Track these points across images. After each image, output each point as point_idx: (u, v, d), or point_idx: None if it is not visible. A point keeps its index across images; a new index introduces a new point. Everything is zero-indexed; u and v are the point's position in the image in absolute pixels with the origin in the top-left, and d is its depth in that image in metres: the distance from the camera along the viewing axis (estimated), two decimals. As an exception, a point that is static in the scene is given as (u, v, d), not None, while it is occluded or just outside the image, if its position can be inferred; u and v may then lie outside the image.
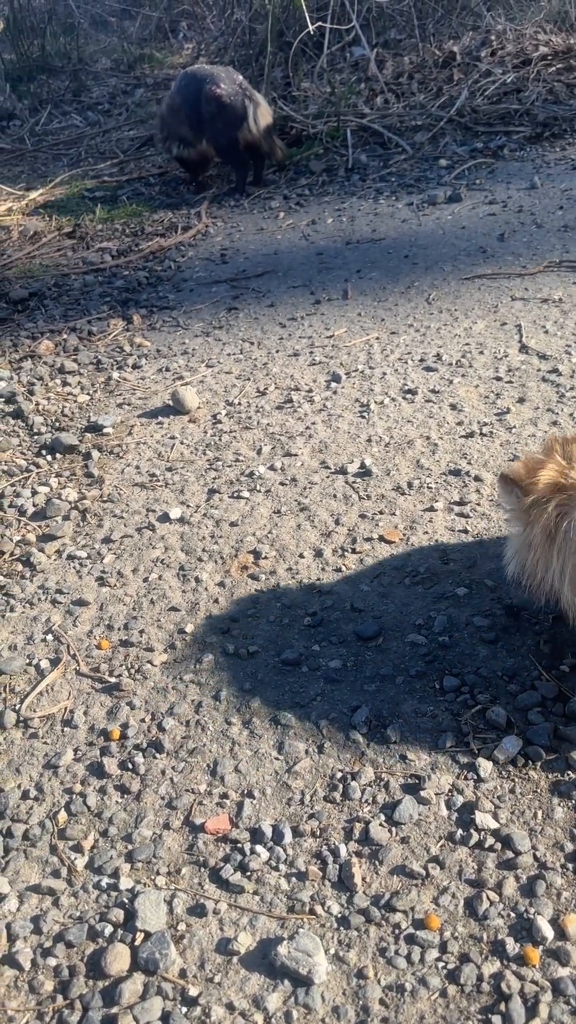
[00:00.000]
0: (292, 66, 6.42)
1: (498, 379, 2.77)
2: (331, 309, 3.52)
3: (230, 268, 4.12)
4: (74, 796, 1.60)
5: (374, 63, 6.62)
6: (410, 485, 2.34)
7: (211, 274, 4.08)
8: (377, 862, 1.43)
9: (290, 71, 6.50)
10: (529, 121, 5.47)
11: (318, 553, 2.15)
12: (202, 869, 1.46)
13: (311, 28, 5.64)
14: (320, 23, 5.96)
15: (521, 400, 2.63)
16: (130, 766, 1.66)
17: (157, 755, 1.68)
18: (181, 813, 1.57)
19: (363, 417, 2.70)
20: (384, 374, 2.93)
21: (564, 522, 1.55)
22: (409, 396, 2.77)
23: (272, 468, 2.52)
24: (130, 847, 1.50)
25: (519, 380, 2.74)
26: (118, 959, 1.32)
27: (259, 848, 1.48)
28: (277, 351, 3.25)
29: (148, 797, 1.60)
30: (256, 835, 1.50)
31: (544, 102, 5.70)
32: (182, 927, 1.37)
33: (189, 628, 1.98)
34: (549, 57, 6.22)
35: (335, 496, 2.35)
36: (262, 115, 4.94)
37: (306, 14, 5.68)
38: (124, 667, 1.89)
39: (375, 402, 2.76)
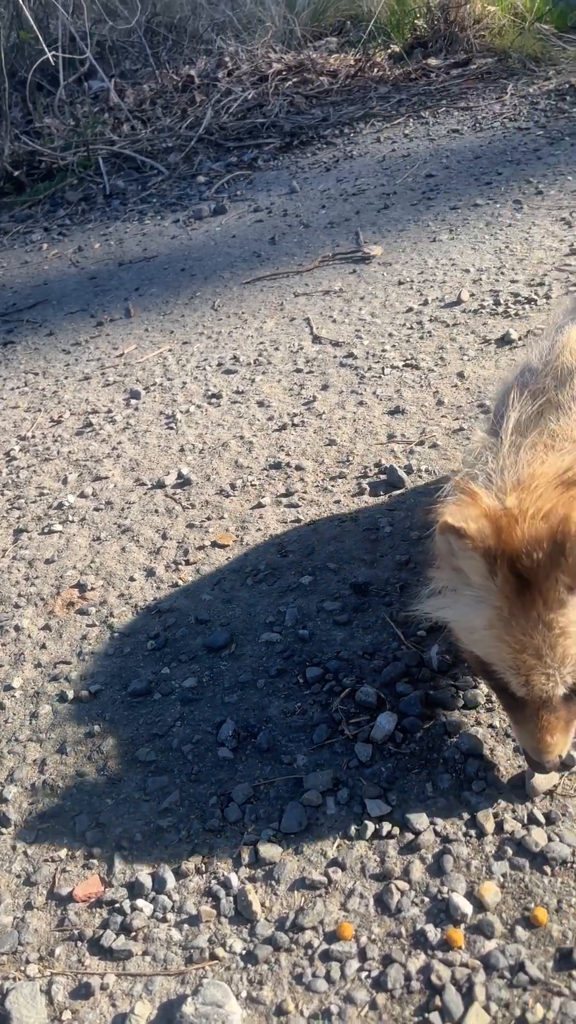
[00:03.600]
0: (31, 102, 6.22)
1: (299, 371, 2.74)
2: (116, 329, 3.37)
3: (-1, 304, 3.87)
4: None
5: (114, 92, 6.56)
6: (233, 486, 2.23)
7: (-21, 312, 3.80)
8: (273, 882, 1.29)
9: (29, 106, 6.30)
10: (277, 132, 5.60)
11: (150, 572, 1.99)
12: (79, 944, 1.26)
13: (49, 55, 5.47)
14: (54, 53, 5.81)
15: (325, 387, 2.60)
16: (-26, 850, 1.42)
17: (4, 830, 1.46)
18: (43, 887, 1.35)
19: (171, 428, 2.57)
20: (184, 383, 2.82)
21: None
22: (214, 400, 2.67)
23: (83, 495, 2.33)
24: (-11, 943, 1.27)
25: (319, 369, 2.72)
26: (-4, 1080, 1.10)
27: (140, 903, 1.30)
28: (66, 377, 3.05)
29: (0, 879, 1.37)
30: (134, 889, 1.32)
31: (287, 114, 5.86)
32: (67, 1016, 1.17)
33: (16, 683, 1.76)
34: (284, 72, 6.43)
35: (157, 511, 2.20)
36: None
37: (43, 43, 5.52)
38: (-52, 740, 1.64)
39: (180, 412, 2.64)
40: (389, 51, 6.60)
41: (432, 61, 6.15)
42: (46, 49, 5.52)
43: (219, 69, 6.76)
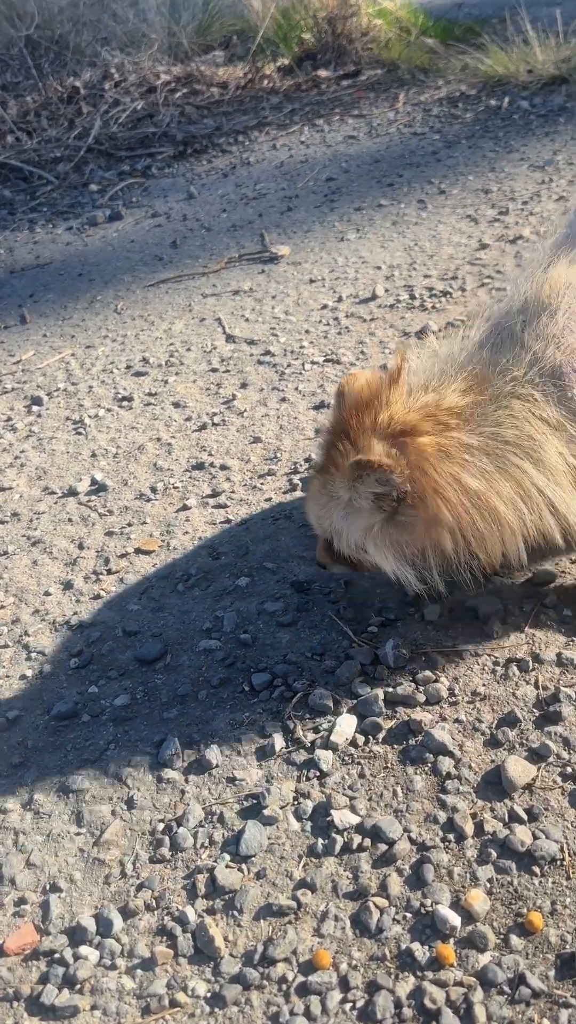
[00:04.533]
0: None
1: (214, 370, 2.61)
2: (11, 336, 3.16)
3: None
4: None
5: (-3, 103, 6.31)
6: (154, 490, 2.08)
7: None
8: (236, 912, 1.15)
9: None
10: (169, 141, 5.49)
11: (67, 585, 1.81)
12: (14, 1004, 1.08)
13: None
14: None
15: (244, 385, 2.48)
16: None
17: None
18: (-32, 946, 1.17)
19: (80, 434, 2.40)
20: (91, 387, 2.65)
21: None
22: (126, 403, 2.51)
23: (-14, 508, 2.13)
24: None
25: (236, 367, 2.60)
26: None
27: (84, 950, 1.13)
28: (-40, 388, 2.83)
29: None
30: (76, 934, 1.15)
31: (179, 124, 5.76)
32: None
33: None
34: (173, 83, 6.34)
35: (71, 520, 2.03)
36: None
37: None
38: None
39: (89, 416, 2.47)
40: (278, 64, 6.60)
41: (322, 73, 6.18)
42: None
43: (105, 80, 6.61)
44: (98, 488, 2.13)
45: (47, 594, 1.80)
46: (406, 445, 1.28)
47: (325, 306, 2.87)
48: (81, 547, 1.93)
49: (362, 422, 1.33)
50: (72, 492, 2.13)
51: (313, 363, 2.52)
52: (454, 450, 1.28)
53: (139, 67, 6.69)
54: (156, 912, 1.17)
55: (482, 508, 1.28)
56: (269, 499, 1.98)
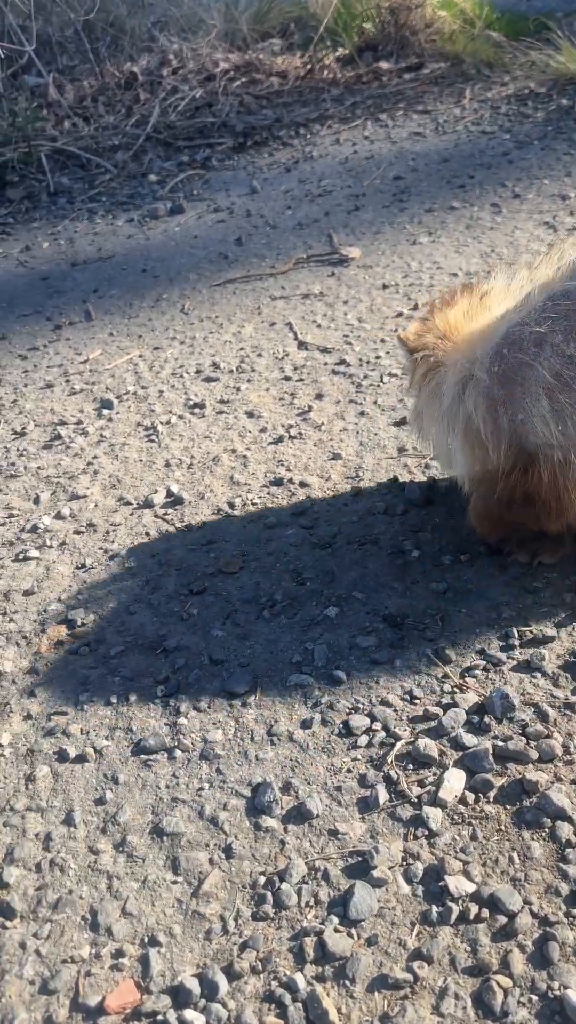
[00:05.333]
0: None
1: (287, 379, 2.54)
2: (76, 333, 3.11)
3: (-57, 305, 3.56)
4: None
5: (53, 88, 6.26)
6: (232, 505, 2.02)
7: None
8: (347, 981, 1.09)
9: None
10: (229, 132, 5.41)
11: (149, 605, 1.76)
12: (121, 1077, 1.04)
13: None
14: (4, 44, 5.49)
15: (319, 396, 2.42)
16: (-29, 952, 1.18)
17: (8, 923, 1.22)
18: (65, 996, 1.12)
19: (153, 441, 2.34)
20: (161, 392, 2.59)
21: (434, 381, 1.60)
22: (197, 411, 2.46)
23: (59, 517, 2.08)
24: None
25: (310, 376, 2.53)
26: None
27: (189, 1014, 1.08)
28: (25, 385, 2.78)
29: (11, 987, 1.14)
30: (179, 995, 1.10)
31: (238, 114, 5.68)
32: None
33: (5, 738, 1.51)
34: (231, 72, 6.25)
35: (148, 534, 1.98)
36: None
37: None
38: None
39: (161, 423, 2.41)
40: (337, 54, 6.48)
41: (383, 65, 6.05)
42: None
43: (163, 67, 6.53)
44: (174, 501, 2.08)
45: (130, 613, 1.75)
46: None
47: (400, 313, 2.79)
48: (161, 564, 1.88)
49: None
50: (148, 504, 2.08)
51: (391, 375, 2.44)
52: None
53: (197, 54, 6.60)
54: (262, 976, 1.11)
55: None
56: (353, 521, 1.91)
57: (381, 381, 2.42)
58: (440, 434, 1.62)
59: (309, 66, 6.19)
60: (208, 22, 7.27)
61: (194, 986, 1.11)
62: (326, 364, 2.58)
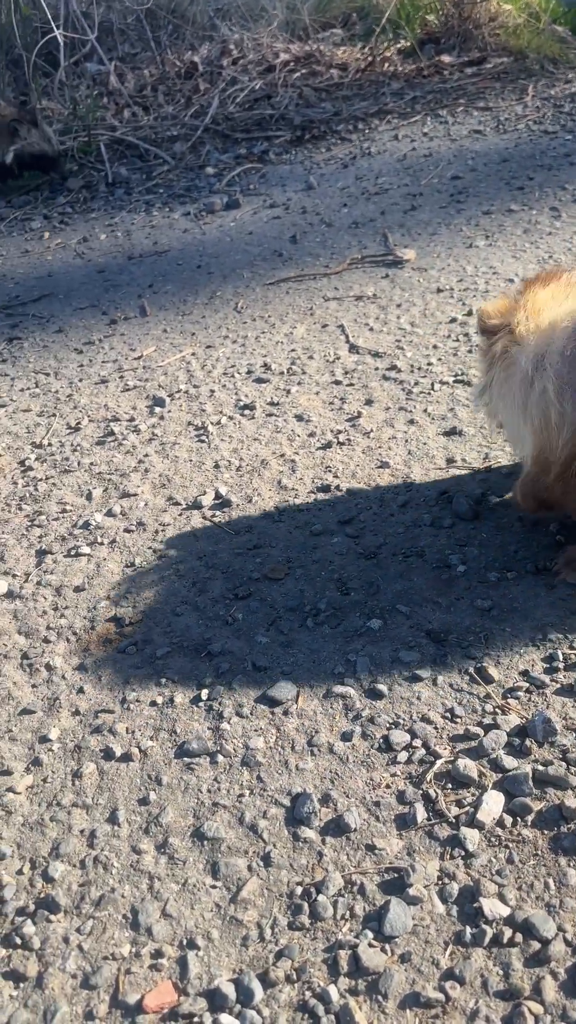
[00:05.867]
0: (33, 80, 5.94)
1: (337, 383, 2.55)
2: (131, 328, 3.16)
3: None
4: (-51, 1015, 1.15)
5: (114, 76, 6.30)
6: (279, 510, 2.04)
7: (-20, 303, 3.56)
8: (380, 997, 1.11)
9: (31, 85, 6.01)
10: (287, 125, 5.40)
11: (195, 607, 1.80)
12: (158, 1076, 1.07)
13: (58, 34, 5.20)
14: (57, 34, 5.54)
15: (369, 402, 2.42)
16: (18, 940, 1.23)
17: (52, 916, 1.26)
18: (104, 992, 1.16)
19: (202, 441, 2.37)
20: (212, 391, 2.62)
21: (509, 358, 1.63)
22: (247, 412, 2.48)
23: (110, 514, 2.13)
24: (49, 1072, 1.08)
25: (360, 381, 2.54)
26: None
27: (224, 1018, 1.11)
28: (80, 380, 2.83)
29: (54, 979, 1.18)
30: (215, 999, 1.13)
31: (297, 106, 5.66)
32: None
33: (53, 733, 1.56)
34: (291, 63, 6.22)
35: (196, 536, 2.01)
36: None
37: (51, 21, 5.25)
38: (-20, 805, 1.43)
39: (211, 423, 2.44)
40: (399, 46, 6.42)
41: (445, 58, 5.98)
42: (54, 27, 5.25)
43: (223, 57, 6.53)
44: (222, 503, 2.11)
45: (176, 614, 1.79)
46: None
47: (454, 319, 2.78)
48: (207, 566, 1.91)
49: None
50: (197, 505, 2.11)
51: (442, 383, 2.44)
52: None
53: (258, 44, 6.59)
54: (296, 985, 1.14)
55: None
56: (399, 532, 1.92)
57: (432, 389, 2.42)
58: (507, 409, 1.67)
59: (370, 58, 6.14)
60: (270, 11, 7.25)
61: (230, 991, 1.14)
62: (377, 369, 2.58)
